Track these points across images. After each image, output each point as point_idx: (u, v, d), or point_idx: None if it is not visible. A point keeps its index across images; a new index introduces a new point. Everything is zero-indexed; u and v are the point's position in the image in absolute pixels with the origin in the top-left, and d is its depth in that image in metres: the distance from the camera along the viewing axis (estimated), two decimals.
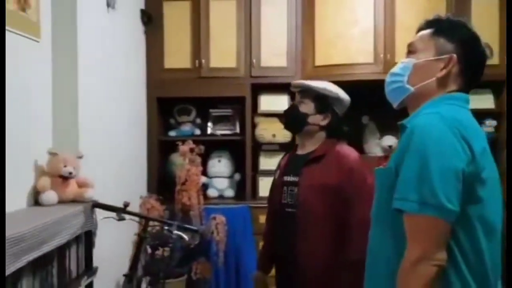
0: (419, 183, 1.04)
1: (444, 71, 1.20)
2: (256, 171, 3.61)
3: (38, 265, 1.79)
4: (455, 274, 1.07)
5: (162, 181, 3.56)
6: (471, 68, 1.22)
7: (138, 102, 3.38)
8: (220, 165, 3.65)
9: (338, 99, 1.99)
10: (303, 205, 1.89)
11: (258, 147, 3.67)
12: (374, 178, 1.84)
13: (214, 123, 3.74)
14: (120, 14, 2.86)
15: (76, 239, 2.12)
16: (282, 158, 2.16)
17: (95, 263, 2.27)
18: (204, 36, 3.47)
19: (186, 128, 3.69)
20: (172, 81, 3.48)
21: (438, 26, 1.24)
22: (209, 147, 3.55)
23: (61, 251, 1.98)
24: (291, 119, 2.04)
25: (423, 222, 1.04)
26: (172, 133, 3.67)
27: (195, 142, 3.24)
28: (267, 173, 3.52)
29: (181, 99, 3.64)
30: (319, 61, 3.42)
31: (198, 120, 3.74)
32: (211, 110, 3.75)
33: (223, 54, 3.48)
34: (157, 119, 3.59)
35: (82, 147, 2.30)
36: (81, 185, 2.21)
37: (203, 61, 3.46)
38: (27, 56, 2.05)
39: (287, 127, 2.13)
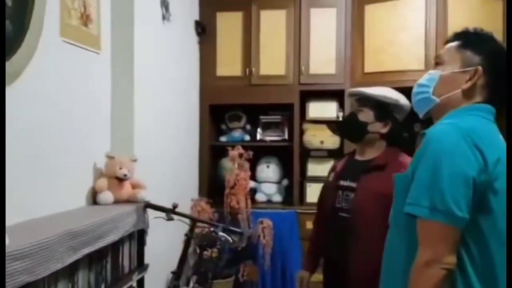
0: (430, 189, 1.08)
1: (469, 83, 1.23)
2: (304, 177, 3.66)
3: (94, 259, 1.95)
4: (463, 283, 1.08)
5: (213, 185, 3.70)
6: (497, 80, 1.24)
7: (191, 109, 3.54)
8: (269, 171, 3.73)
9: (398, 106, 1.94)
10: (359, 211, 1.85)
11: (307, 154, 3.71)
12: None
13: (264, 129, 3.83)
14: (175, 26, 3.03)
15: (129, 236, 2.27)
16: (338, 160, 2.14)
17: (147, 260, 2.42)
18: (254, 45, 3.58)
19: (237, 134, 3.81)
20: (224, 89, 3.61)
21: (465, 39, 1.27)
22: (258, 153, 3.65)
23: (115, 247, 2.14)
24: (351, 128, 2.00)
25: (433, 227, 1.08)
26: (223, 139, 3.80)
27: (244, 147, 3.35)
28: (315, 179, 3.56)
29: (232, 106, 3.77)
30: (368, 68, 3.42)
31: (248, 126, 3.85)
32: (261, 117, 3.84)
33: (272, 62, 3.57)
34: (209, 125, 3.73)
35: (137, 151, 2.46)
36: (135, 186, 2.37)
37: (253, 69, 3.56)
38: (88, 67, 2.24)
39: (346, 136, 2.11)
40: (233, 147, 3.39)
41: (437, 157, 1.09)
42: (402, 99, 1.95)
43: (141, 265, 2.38)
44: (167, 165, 3.00)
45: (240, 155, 3.36)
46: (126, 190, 2.32)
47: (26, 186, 1.78)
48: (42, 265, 1.46)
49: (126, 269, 2.26)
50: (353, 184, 1.91)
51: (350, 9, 3.49)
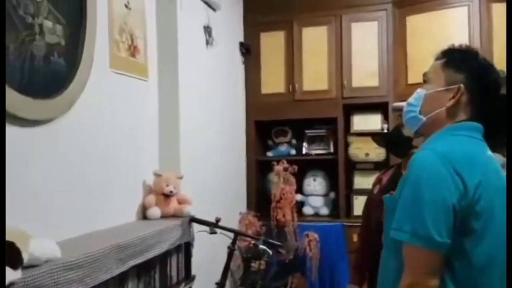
0: (412, 215, 1.11)
1: (452, 101, 1.24)
2: (351, 190, 3.69)
3: (142, 270, 2.12)
4: None
5: (260, 199, 3.81)
6: (480, 97, 1.25)
7: (238, 126, 3.70)
8: (315, 184, 3.79)
9: None
10: None
11: (352, 166, 3.74)
12: None
13: (309, 143, 3.91)
14: (219, 49, 3.21)
15: (177, 249, 2.44)
16: (383, 173, 2.16)
17: (194, 271, 2.57)
18: (297, 62, 3.68)
19: (283, 148, 3.91)
20: (269, 105, 3.73)
21: (449, 57, 1.28)
22: (305, 167, 3.73)
23: (162, 259, 2.31)
24: (396, 143, 2.02)
25: (415, 251, 1.11)
26: (270, 154, 3.92)
27: (290, 162, 3.45)
28: (361, 191, 3.57)
29: (278, 121, 3.88)
30: (412, 79, 3.41)
31: (294, 141, 3.94)
32: (306, 131, 3.92)
33: (315, 77, 3.65)
34: (256, 141, 3.87)
35: (184, 169, 2.63)
36: (181, 202, 2.54)
37: (296, 85, 3.66)
38: (137, 93, 2.46)
39: (391, 151, 2.13)
40: (278, 162, 3.50)
41: (418, 183, 1.12)
42: None
43: (188, 276, 2.53)
44: (216, 180, 3.16)
45: (285, 169, 3.46)
46: (173, 205, 2.50)
47: (83, 204, 2.00)
48: (91, 275, 1.64)
49: (174, 280, 2.42)
50: None
51: (392, 21, 3.50)
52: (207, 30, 2.98)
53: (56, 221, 1.84)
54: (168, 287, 2.34)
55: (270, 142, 4.00)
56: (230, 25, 3.59)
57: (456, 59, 1.27)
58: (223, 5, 3.25)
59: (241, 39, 3.77)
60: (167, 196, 2.47)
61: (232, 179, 3.54)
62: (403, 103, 1.97)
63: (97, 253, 1.69)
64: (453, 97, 1.24)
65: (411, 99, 1.33)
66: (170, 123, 2.63)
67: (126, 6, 2.36)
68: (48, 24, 1.78)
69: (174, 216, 2.49)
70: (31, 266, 1.41)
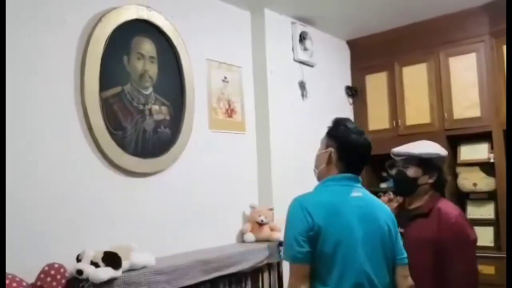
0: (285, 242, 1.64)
1: (326, 159, 1.71)
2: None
3: (233, 281, 2.79)
4: None
5: None
6: (346, 155, 1.69)
7: None
8: None
9: (440, 158, 2.17)
10: (408, 255, 2.08)
11: (465, 196, 3.75)
12: (475, 234, 2.03)
13: None
14: (320, 96, 3.77)
15: (268, 267, 3.04)
16: (394, 209, 2.36)
17: None
18: (399, 99, 3.95)
19: None
20: (375, 141, 3.99)
21: (328, 129, 1.77)
22: None
23: (254, 273, 2.93)
24: (402, 185, 2.25)
25: (290, 266, 1.62)
26: (383, 185, 4.19)
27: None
28: (476, 222, 3.55)
29: (385, 155, 4.13)
30: None
31: None
32: None
33: (417, 112, 3.85)
34: (370, 173, 4.19)
35: (275, 201, 3.25)
36: (273, 229, 3.14)
37: (399, 120, 3.92)
38: (237, 144, 3.21)
39: (399, 192, 2.38)
40: (384, 192, 3.79)
41: (287, 221, 1.65)
42: (442, 150, 2.18)
43: None
44: None
45: (390, 200, 3.73)
46: (265, 232, 3.12)
47: (196, 230, 2.85)
48: (177, 280, 2.38)
49: None
50: (402, 230, 2.11)
51: (490, 51, 3.51)
52: (301, 85, 3.58)
53: (170, 242, 2.67)
54: None
55: (384, 174, 4.27)
56: (340, 69, 4.12)
57: (330, 129, 1.75)
58: (329, 56, 3.85)
59: (348, 83, 4.22)
60: (261, 224, 3.11)
61: None
62: (403, 149, 2.27)
63: (183, 265, 2.43)
64: (328, 157, 1.70)
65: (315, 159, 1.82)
66: (264, 165, 3.30)
67: (223, 80, 3.15)
68: (155, 108, 2.67)
69: (267, 240, 3.10)
70: (132, 270, 2.22)
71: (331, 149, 1.71)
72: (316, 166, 1.79)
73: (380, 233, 1.69)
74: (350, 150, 1.71)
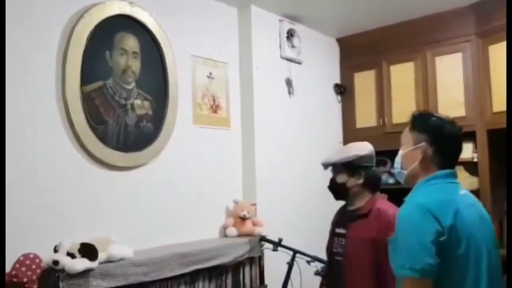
0: (407, 255, 1.42)
1: (420, 156, 1.55)
2: None
3: (214, 274, 2.83)
4: None
5: None
6: (443, 147, 1.54)
7: None
8: None
9: (361, 158, 2.19)
10: (349, 255, 2.17)
11: None
12: None
13: None
14: (309, 93, 3.80)
15: (250, 261, 3.08)
16: (338, 211, 2.42)
17: (267, 281, 3.16)
18: (386, 97, 3.97)
19: (383, 177, 4.17)
20: (363, 138, 4.03)
21: (412, 123, 1.61)
22: (404, 194, 3.92)
23: (235, 267, 2.97)
24: (336, 191, 2.30)
25: (409, 281, 1.43)
26: None
27: (389, 190, 3.70)
28: None
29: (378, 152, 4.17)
30: (497, 107, 3.37)
31: (393, 170, 4.16)
32: None
33: (403, 110, 3.85)
34: None
35: (260, 198, 3.28)
36: (255, 224, 3.18)
37: (386, 119, 3.95)
38: (222, 140, 3.25)
39: (336, 198, 2.35)
40: None
41: (404, 228, 1.44)
42: (362, 150, 2.21)
43: (261, 284, 3.14)
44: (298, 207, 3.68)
45: None
46: (247, 226, 3.16)
47: (179, 224, 2.89)
48: (154, 272, 2.43)
49: (248, 286, 3.06)
50: (344, 231, 2.22)
51: (476, 51, 3.53)
52: (288, 82, 3.61)
53: (152, 235, 2.71)
54: None
55: None
56: (328, 67, 4.15)
57: (417, 123, 1.60)
58: (318, 53, 3.89)
59: (337, 80, 4.24)
60: (243, 219, 3.15)
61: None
62: (326, 159, 2.28)
63: (161, 257, 2.47)
64: (421, 153, 1.55)
65: (396, 160, 1.69)
66: (248, 161, 3.33)
67: (208, 76, 3.18)
68: (137, 102, 2.71)
69: (249, 235, 3.14)
70: (109, 261, 2.27)
71: (424, 144, 1.55)
72: (404, 167, 1.62)
73: (492, 232, 1.57)
74: (447, 143, 1.56)
